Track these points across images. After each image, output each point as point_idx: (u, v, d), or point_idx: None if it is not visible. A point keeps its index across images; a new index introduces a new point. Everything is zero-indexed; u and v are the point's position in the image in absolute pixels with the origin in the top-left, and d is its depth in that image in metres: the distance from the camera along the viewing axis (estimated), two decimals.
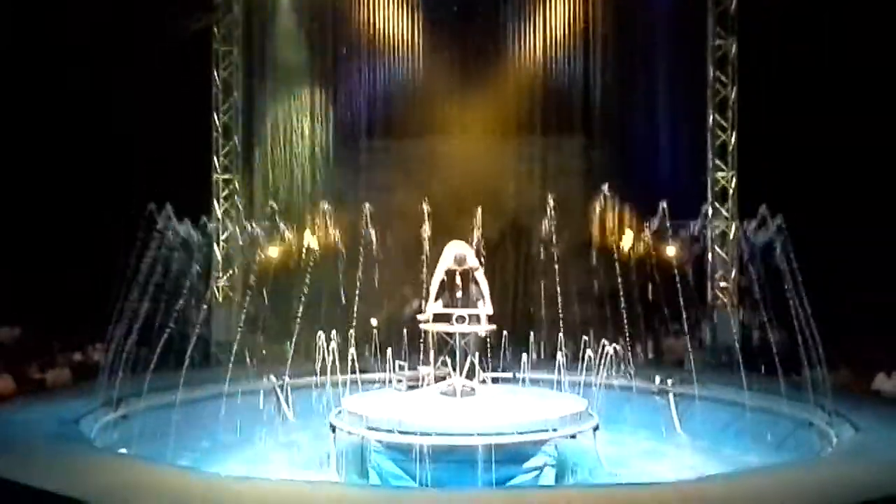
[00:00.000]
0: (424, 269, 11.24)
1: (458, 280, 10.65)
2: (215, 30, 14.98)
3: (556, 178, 15.88)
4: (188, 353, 10.47)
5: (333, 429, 9.35)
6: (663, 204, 11.81)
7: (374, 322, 13.23)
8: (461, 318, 9.99)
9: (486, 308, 10.27)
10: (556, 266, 11.91)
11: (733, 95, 14.73)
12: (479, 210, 11.14)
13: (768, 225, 9.82)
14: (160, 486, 6.39)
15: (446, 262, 10.34)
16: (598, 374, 11.16)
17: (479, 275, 10.43)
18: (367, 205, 12.01)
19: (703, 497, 5.93)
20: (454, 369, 10.02)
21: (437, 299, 10.36)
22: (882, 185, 13.28)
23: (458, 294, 10.43)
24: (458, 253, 10.27)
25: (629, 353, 11.72)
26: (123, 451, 8.56)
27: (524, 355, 11.92)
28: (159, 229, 9.90)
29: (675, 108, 14.85)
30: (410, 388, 10.35)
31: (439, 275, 10.39)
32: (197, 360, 11.81)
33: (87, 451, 7.76)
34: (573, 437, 9.06)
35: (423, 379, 10.34)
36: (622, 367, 11.50)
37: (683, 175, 14.86)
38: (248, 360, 11.78)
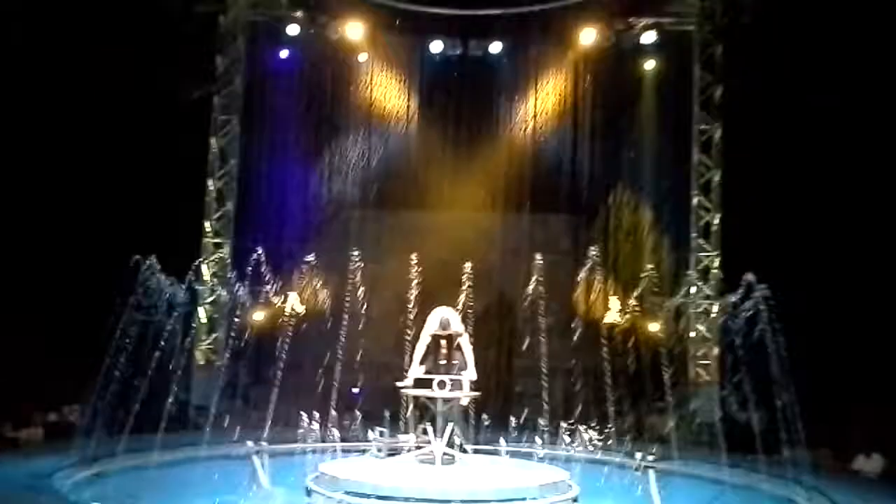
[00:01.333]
0: (408, 338, 11.31)
1: (443, 346, 10.71)
2: (216, 99, 15.36)
3: (542, 254, 16.13)
4: (166, 415, 10.40)
5: (309, 492, 9.22)
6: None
7: (355, 390, 13.18)
8: (443, 384, 9.98)
9: (469, 374, 10.30)
10: (541, 340, 11.97)
11: (717, 178, 15.12)
12: (464, 281, 11.28)
13: (752, 293, 9.95)
14: None
15: (431, 326, 10.42)
16: (578, 448, 11.13)
17: (464, 341, 10.50)
18: (357, 269, 12.14)
19: None
20: (435, 436, 9.97)
21: (421, 364, 10.39)
22: (869, 253, 13.47)
23: (442, 361, 10.47)
24: (444, 317, 10.37)
25: (611, 429, 11.70)
26: None
27: (505, 428, 11.88)
28: (143, 283, 9.94)
29: (660, 187, 15.22)
30: (390, 454, 10.26)
31: (424, 339, 10.46)
32: (175, 423, 11.71)
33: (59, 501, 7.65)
34: None
35: (403, 446, 10.27)
36: (602, 442, 11.50)
37: (667, 253, 15.11)
38: (226, 424, 11.71)
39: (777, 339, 9.74)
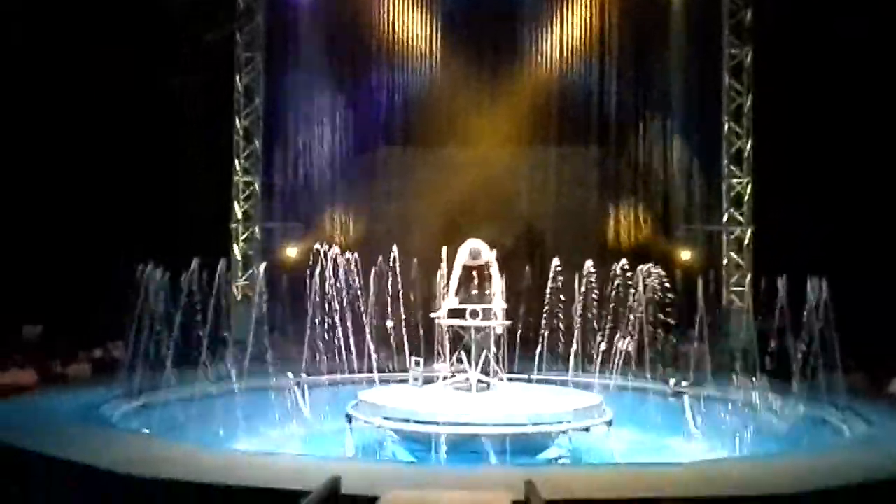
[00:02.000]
0: (439, 273, 11.38)
1: (475, 278, 10.80)
2: (238, 36, 15.26)
3: (570, 188, 16.06)
4: (206, 350, 10.62)
5: (350, 419, 9.45)
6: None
7: (389, 324, 13.34)
8: (475, 313, 10.09)
9: (499, 302, 10.41)
10: (572, 271, 11.98)
11: (748, 103, 14.84)
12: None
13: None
14: (182, 458, 6.54)
15: (462, 257, 10.52)
16: (611, 375, 11.23)
17: (494, 270, 10.59)
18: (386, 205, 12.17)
19: (720, 476, 5.98)
20: (469, 364, 10.11)
21: (456, 295, 10.51)
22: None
23: (474, 291, 10.58)
24: (474, 247, 10.47)
25: (644, 357, 11.76)
26: (146, 431, 8.69)
27: (537, 356, 11.99)
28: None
29: (691, 117, 14.97)
30: (426, 383, 10.44)
31: (456, 270, 10.55)
32: (215, 357, 11.96)
33: (110, 430, 7.92)
34: (587, 429, 9.11)
35: (439, 374, 10.44)
36: (636, 368, 11.57)
37: (699, 182, 14.96)
38: (265, 359, 11.94)
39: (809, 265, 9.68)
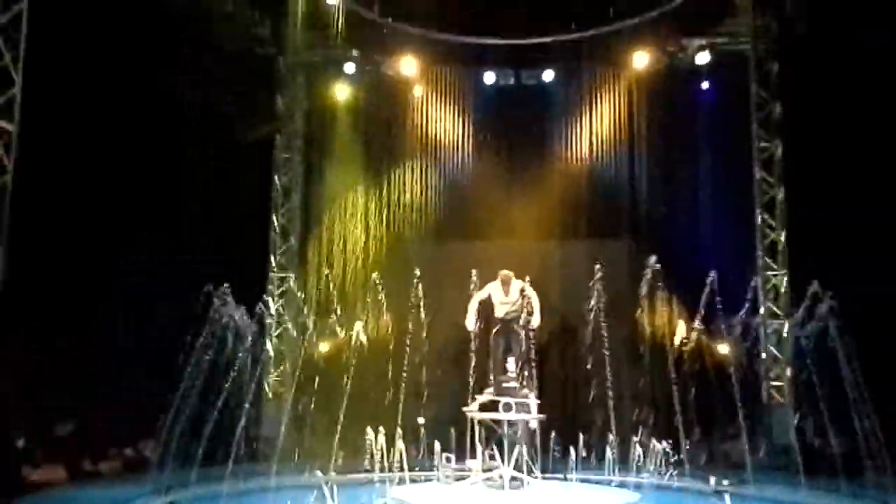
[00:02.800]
0: (471, 369, 11.32)
1: (511, 365, 10.66)
2: (277, 137, 15.84)
3: (603, 281, 15.99)
4: (236, 447, 10.58)
5: None
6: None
7: (420, 420, 13.19)
8: (508, 406, 9.94)
9: (535, 320, 10.26)
10: (607, 366, 11.85)
11: (780, 195, 14.85)
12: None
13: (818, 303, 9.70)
14: None
15: (491, 286, 10.47)
16: (650, 474, 10.93)
17: (529, 289, 10.50)
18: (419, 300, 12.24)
19: None
20: (502, 461, 9.91)
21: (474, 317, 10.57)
22: None
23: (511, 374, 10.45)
24: (504, 273, 10.41)
25: (683, 455, 11.44)
26: None
27: (573, 453, 11.72)
28: (214, 312, 10.20)
29: (722, 208, 14.99)
30: (458, 479, 10.23)
31: (481, 294, 10.50)
32: (246, 454, 11.90)
33: None
34: None
35: (471, 471, 10.23)
36: (674, 467, 11.25)
37: (733, 275, 14.80)
38: (295, 455, 11.84)
39: (849, 352, 9.48)
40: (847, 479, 9.97)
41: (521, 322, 10.62)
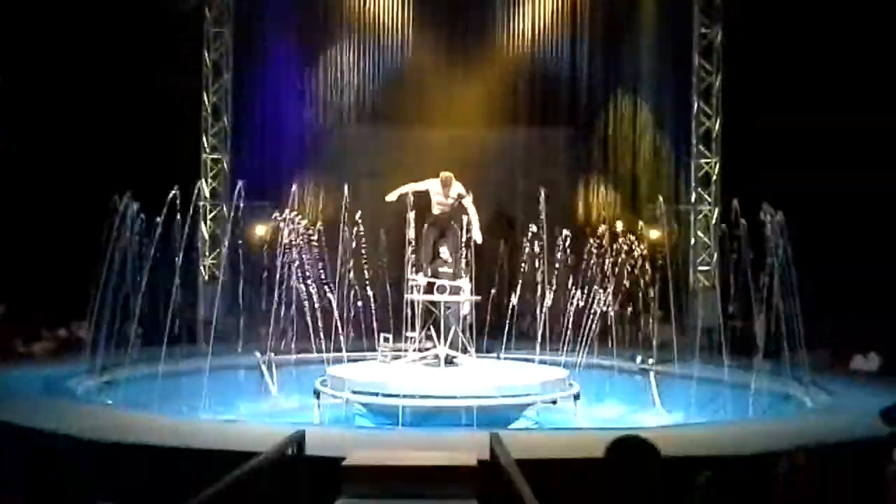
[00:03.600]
0: (407, 256, 11.34)
1: (444, 253, 10.77)
2: (207, 11, 15.06)
3: (541, 168, 16.06)
4: (173, 329, 10.52)
5: (318, 395, 9.42)
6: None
7: (358, 303, 13.29)
8: (443, 288, 10.09)
9: (476, 235, 10.39)
10: (542, 254, 12.01)
11: (718, 83, 14.96)
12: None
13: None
14: (146, 425, 6.49)
15: (430, 182, 10.48)
16: (579, 353, 11.31)
17: (468, 202, 10.57)
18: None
19: (680, 439, 6.05)
20: (438, 341, 10.12)
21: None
22: (868, 164, 13.44)
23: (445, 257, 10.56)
24: (444, 175, 10.43)
25: (613, 336, 11.84)
26: (109, 402, 8.62)
27: (506, 335, 12.03)
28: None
29: (661, 97, 15.06)
30: (395, 359, 10.44)
31: (418, 185, 10.54)
32: (183, 336, 11.87)
33: (74, 401, 7.86)
34: (554, 402, 9.17)
35: (408, 350, 10.45)
36: (605, 347, 11.67)
37: (668, 162, 15.06)
38: (233, 336, 11.86)
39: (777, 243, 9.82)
40: (765, 357, 10.48)
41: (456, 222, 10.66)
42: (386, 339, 10.77)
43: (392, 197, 10.85)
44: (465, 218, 10.67)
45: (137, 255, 10.38)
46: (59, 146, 14.28)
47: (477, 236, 10.54)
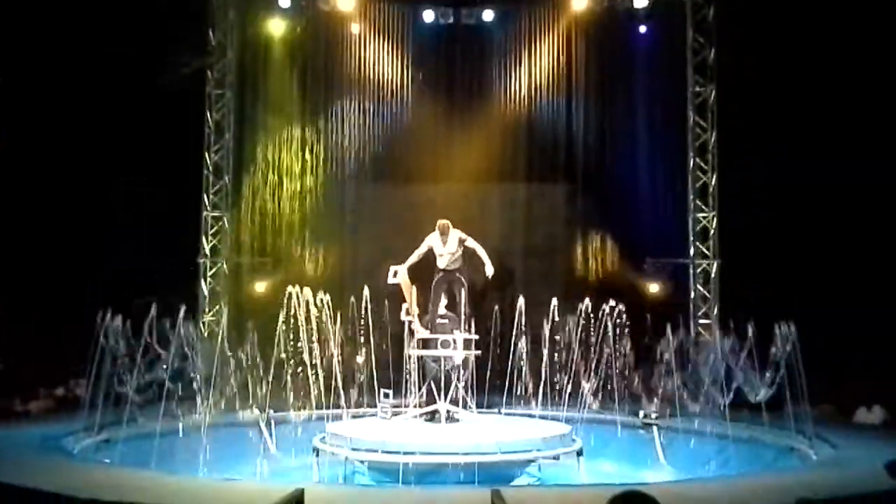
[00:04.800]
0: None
1: (442, 310, 10.78)
2: (209, 73, 15.34)
3: (540, 224, 16.16)
4: (171, 386, 10.49)
5: (317, 452, 9.33)
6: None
7: (359, 359, 13.23)
8: (446, 343, 10.08)
9: (489, 269, 10.36)
10: (543, 309, 12.02)
11: (713, 139, 15.14)
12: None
13: None
14: (145, 484, 6.42)
15: (430, 238, 10.49)
16: (581, 409, 11.24)
17: (471, 242, 10.57)
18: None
19: (684, 494, 5.98)
20: (438, 396, 10.06)
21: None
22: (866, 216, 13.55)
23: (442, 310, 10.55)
24: (442, 222, 10.45)
25: (615, 391, 11.76)
26: (107, 461, 8.53)
27: (506, 391, 11.96)
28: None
29: (657, 152, 15.23)
30: (395, 415, 10.37)
31: (420, 250, 10.55)
32: (182, 394, 11.80)
33: (71, 460, 7.79)
34: (556, 458, 9.08)
35: (408, 407, 10.39)
36: (606, 402, 11.59)
37: (666, 218, 15.14)
38: (231, 395, 11.78)
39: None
40: (768, 411, 10.41)
41: (464, 274, 10.71)
42: (386, 395, 10.72)
43: (389, 279, 10.84)
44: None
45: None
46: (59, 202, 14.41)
47: (489, 270, 10.54)
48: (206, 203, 15.14)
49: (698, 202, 15.20)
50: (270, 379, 11.01)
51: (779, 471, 8.24)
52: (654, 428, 11.49)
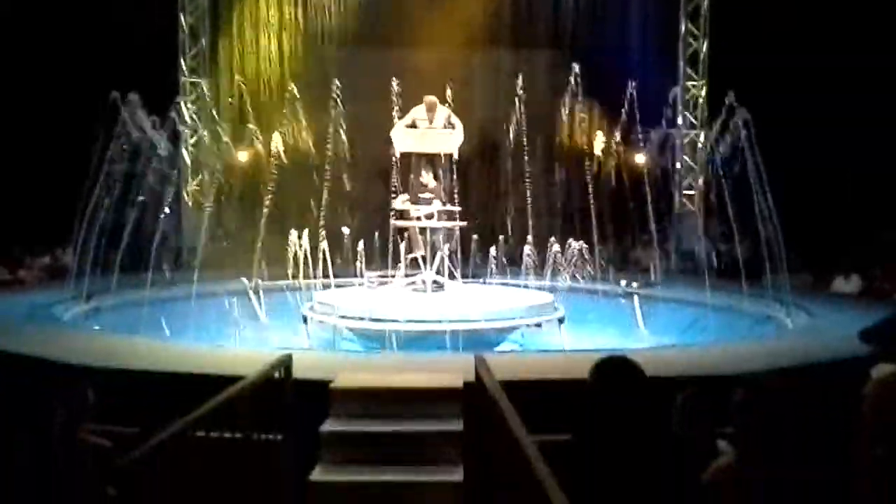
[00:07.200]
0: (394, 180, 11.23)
1: (428, 179, 10.68)
2: None
3: (525, 92, 15.84)
4: (157, 256, 10.49)
5: (305, 320, 9.48)
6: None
7: (344, 230, 13.24)
8: (430, 215, 10.07)
9: (458, 136, 10.21)
10: (526, 178, 11.96)
11: (706, 4, 14.69)
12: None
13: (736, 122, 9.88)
14: (136, 350, 6.52)
15: (415, 111, 10.32)
16: (564, 277, 11.37)
17: (455, 119, 10.38)
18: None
19: (664, 360, 6.15)
20: (424, 266, 10.14)
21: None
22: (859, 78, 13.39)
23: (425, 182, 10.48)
24: (429, 99, 10.26)
25: (597, 261, 11.90)
26: (97, 328, 8.66)
27: (492, 259, 12.05)
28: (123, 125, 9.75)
29: (647, 17, 14.77)
30: (381, 285, 10.48)
31: (405, 120, 10.36)
32: (168, 264, 11.86)
33: (62, 326, 7.88)
34: (539, 325, 9.28)
35: (394, 276, 10.47)
36: (589, 271, 11.73)
37: (654, 86, 14.86)
38: (218, 264, 11.83)
39: (758, 163, 9.80)
40: (748, 280, 10.60)
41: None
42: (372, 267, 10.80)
43: (398, 149, 10.54)
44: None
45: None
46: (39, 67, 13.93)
47: (459, 135, 10.31)
48: (184, 67, 14.66)
49: (688, 70, 14.90)
50: (259, 247, 11.03)
51: (754, 338, 8.47)
52: (635, 297, 11.71)
